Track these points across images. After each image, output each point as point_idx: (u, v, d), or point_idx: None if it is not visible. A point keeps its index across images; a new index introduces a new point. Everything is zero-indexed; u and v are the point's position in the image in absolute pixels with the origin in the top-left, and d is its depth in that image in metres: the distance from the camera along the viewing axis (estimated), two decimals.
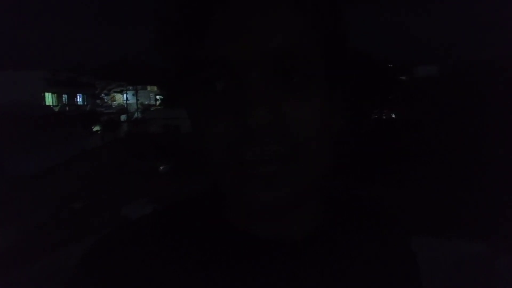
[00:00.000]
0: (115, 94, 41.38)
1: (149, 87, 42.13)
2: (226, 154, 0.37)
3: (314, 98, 0.38)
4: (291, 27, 0.37)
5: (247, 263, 0.41)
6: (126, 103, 36.55)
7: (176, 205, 0.47)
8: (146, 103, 40.33)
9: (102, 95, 39.46)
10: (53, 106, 27.97)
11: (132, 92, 38.47)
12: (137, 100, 36.57)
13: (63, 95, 30.54)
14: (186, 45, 0.39)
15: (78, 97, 32.99)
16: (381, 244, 0.48)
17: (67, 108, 29.26)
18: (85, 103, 33.36)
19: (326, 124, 0.39)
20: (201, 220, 0.44)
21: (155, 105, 39.58)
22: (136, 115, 32.96)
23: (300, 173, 0.37)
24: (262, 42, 0.36)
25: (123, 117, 32.54)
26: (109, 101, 40.65)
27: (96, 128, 27.60)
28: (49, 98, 28.65)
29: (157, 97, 40.70)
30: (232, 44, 0.36)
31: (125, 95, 38.41)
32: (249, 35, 0.36)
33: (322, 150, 0.39)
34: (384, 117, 20.27)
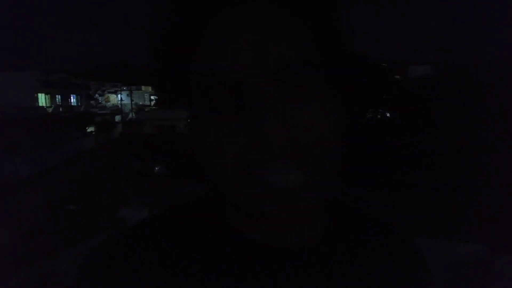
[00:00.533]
0: (109, 94, 41.12)
1: (143, 87, 41.94)
2: (240, 168, 0.36)
3: (325, 104, 0.37)
4: (291, 35, 0.36)
5: (254, 271, 0.40)
6: (121, 104, 36.33)
7: (178, 210, 0.46)
8: (140, 103, 40.12)
9: (96, 95, 39.21)
10: (47, 107, 27.73)
11: (127, 92, 38.26)
12: (132, 100, 36.37)
13: (57, 96, 30.29)
14: (186, 59, 0.39)
15: (72, 98, 32.75)
16: (387, 249, 0.48)
17: (60, 109, 29.03)
18: (79, 104, 33.13)
19: (338, 129, 0.38)
20: (205, 226, 0.43)
21: (149, 105, 39.39)
22: (130, 115, 32.78)
23: (315, 180, 0.37)
24: (263, 52, 0.35)
25: (117, 118, 32.34)
26: (103, 102, 40.40)
27: (90, 129, 27.39)
28: (42, 99, 28.39)
29: (152, 97, 40.52)
30: (234, 57, 0.35)
31: (119, 96, 38.18)
32: (249, 46, 0.35)
33: (336, 156, 0.38)
34: (386, 117, 20.25)
